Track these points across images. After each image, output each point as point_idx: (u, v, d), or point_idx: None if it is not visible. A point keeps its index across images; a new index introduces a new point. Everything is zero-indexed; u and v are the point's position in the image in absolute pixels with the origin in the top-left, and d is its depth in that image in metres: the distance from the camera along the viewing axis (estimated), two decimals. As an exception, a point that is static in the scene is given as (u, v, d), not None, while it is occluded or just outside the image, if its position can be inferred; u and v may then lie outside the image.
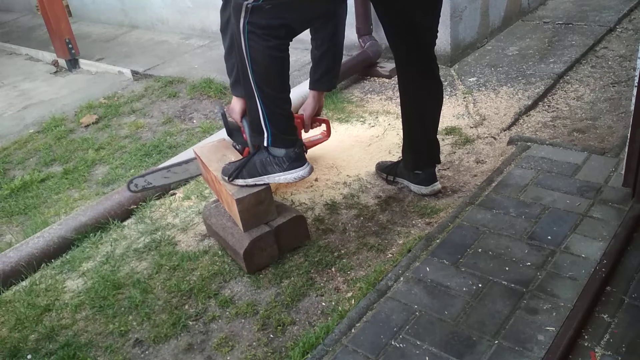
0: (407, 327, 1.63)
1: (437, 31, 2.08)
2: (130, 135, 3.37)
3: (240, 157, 2.12)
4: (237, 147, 2.30)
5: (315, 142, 2.58)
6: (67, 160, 3.18)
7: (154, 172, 2.32)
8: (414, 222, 2.20)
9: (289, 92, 1.89)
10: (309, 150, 2.27)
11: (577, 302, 1.61)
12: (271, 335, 1.77)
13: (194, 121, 3.43)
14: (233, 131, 2.24)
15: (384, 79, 3.57)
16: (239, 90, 2.09)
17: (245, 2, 1.68)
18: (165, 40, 5.07)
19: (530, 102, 2.98)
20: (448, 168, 2.52)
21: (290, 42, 1.79)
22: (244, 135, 2.14)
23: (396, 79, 3.50)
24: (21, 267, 2.18)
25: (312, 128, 2.49)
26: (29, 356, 1.82)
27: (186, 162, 2.34)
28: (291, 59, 1.84)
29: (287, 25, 1.73)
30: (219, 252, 2.17)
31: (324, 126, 2.56)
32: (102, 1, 5.81)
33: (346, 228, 2.21)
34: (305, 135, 2.49)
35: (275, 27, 1.71)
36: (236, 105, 2.17)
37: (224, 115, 2.19)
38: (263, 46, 1.72)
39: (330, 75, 2.35)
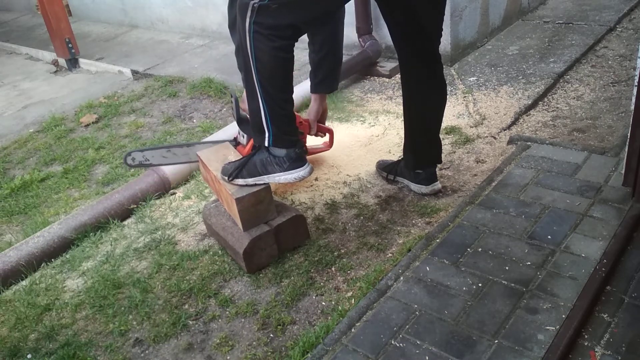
0: (407, 326, 1.63)
1: (442, 30, 2.07)
2: (130, 134, 3.37)
3: (240, 157, 2.12)
4: (243, 137, 2.28)
5: (316, 151, 2.61)
6: (67, 159, 3.18)
7: (154, 149, 2.28)
8: (414, 221, 2.20)
9: (292, 92, 1.89)
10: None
11: (577, 302, 1.61)
12: (271, 335, 1.77)
13: (194, 121, 3.43)
14: (242, 120, 2.23)
15: (384, 78, 3.57)
16: None
17: (252, 2, 1.66)
18: (165, 39, 5.07)
19: (530, 102, 2.98)
20: (448, 167, 2.52)
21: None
22: None
23: (396, 78, 3.53)
24: (21, 266, 2.18)
25: (316, 134, 2.50)
26: (29, 355, 1.82)
27: (188, 145, 2.31)
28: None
29: (293, 26, 1.72)
30: (219, 251, 2.17)
31: (327, 136, 2.58)
32: (102, 1, 5.80)
33: (346, 227, 2.21)
34: (307, 144, 2.50)
35: (282, 27, 1.70)
36: None
37: (236, 102, 2.18)
38: (269, 47, 1.71)
39: (331, 77, 2.34)
